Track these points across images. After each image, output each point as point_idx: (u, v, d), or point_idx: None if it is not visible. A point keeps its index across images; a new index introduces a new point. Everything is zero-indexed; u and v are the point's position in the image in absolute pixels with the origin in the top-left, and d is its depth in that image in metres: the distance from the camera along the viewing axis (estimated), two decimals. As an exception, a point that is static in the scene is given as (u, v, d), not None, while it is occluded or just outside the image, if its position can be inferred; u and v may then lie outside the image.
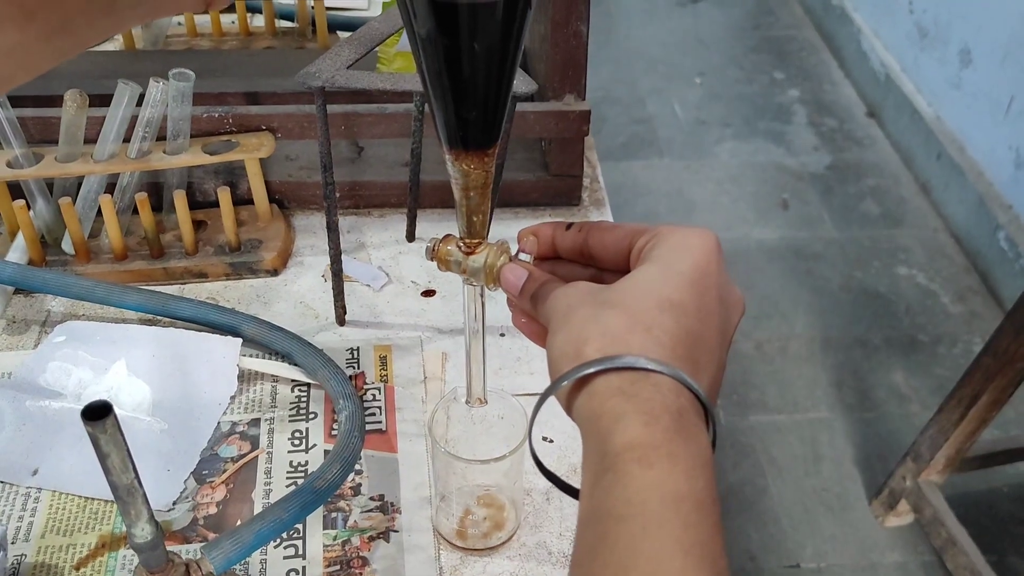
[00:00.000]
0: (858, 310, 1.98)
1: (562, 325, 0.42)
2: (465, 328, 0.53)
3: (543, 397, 0.41)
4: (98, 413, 0.46)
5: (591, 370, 0.39)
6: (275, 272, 0.87)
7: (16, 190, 0.84)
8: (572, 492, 0.45)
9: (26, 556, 0.64)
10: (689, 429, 0.37)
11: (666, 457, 0.35)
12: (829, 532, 1.77)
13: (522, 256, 0.50)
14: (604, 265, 0.47)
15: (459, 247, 0.50)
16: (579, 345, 0.40)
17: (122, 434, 0.47)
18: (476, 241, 0.50)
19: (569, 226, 0.49)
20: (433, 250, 0.51)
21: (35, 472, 0.69)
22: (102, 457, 0.47)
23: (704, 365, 0.40)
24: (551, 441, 0.73)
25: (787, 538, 1.74)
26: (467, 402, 0.57)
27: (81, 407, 0.73)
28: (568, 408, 0.41)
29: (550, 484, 0.48)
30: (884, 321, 2.04)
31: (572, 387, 0.40)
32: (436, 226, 0.93)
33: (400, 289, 0.86)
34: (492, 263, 0.49)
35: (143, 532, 0.52)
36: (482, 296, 0.53)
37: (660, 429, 0.36)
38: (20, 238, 0.84)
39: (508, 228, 0.91)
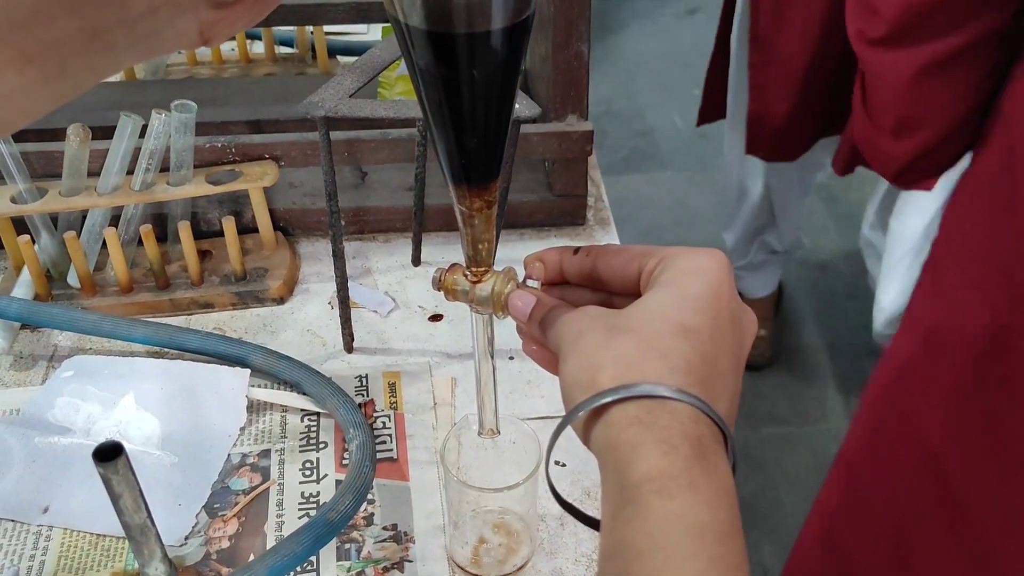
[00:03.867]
0: (866, 318, 1.97)
1: (573, 352, 0.42)
2: (475, 358, 0.53)
3: (559, 429, 0.41)
4: (110, 453, 0.46)
5: (607, 400, 0.38)
6: (281, 300, 0.87)
7: (21, 225, 0.84)
8: (592, 523, 0.44)
9: (38, 596, 0.63)
10: (709, 457, 0.36)
11: (687, 487, 0.35)
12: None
13: (529, 283, 0.50)
14: (613, 289, 0.47)
15: (465, 276, 0.50)
16: (593, 373, 0.40)
17: (134, 474, 0.47)
18: (482, 269, 0.50)
19: (576, 250, 0.48)
20: (439, 280, 0.51)
21: (46, 510, 0.68)
22: (114, 498, 0.47)
23: (720, 390, 0.40)
24: (563, 465, 0.73)
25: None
26: (479, 433, 0.56)
27: (91, 442, 0.73)
28: (585, 438, 0.41)
29: (562, 511, 0.48)
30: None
31: (588, 417, 0.39)
32: (441, 249, 0.93)
33: (407, 314, 0.86)
34: (499, 291, 0.49)
35: (157, 571, 0.51)
36: (491, 325, 0.52)
37: (680, 458, 0.36)
38: (25, 273, 0.84)
39: (513, 250, 0.91)
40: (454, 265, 0.51)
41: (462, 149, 0.45)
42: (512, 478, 0.65)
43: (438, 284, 0.51)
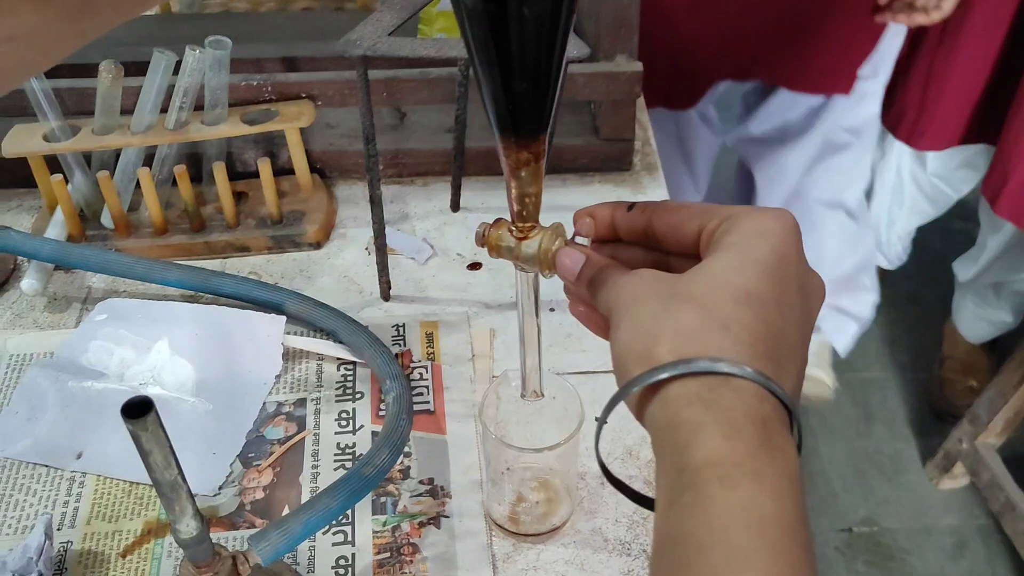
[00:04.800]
0: (911, 266, 1.92)
1: (627, 319, 0.39)
2: (519, 318, 0.51)
3: (610, 405, 0.38)
4: (139, 409, 0.44)
5: (664, 375, 0.36)
6: (318, 245, 0.85)
7: (54, 163, 0.82)
8: (645, 503, 0.42)
9: (72, 543, 0.63)
10: (775, 440, 0.34)
11: (750, 475, 0.32)
12: (882, 495, 1.73)
13: (578, 239, 0.47)
14: (669, 248, 0.44)
15: (511, 232, 0.47)
16: (649, 344, 0.37)
17: (164, 430, 0.45)
18: (528, 225, 0.47)
19: (630, 207, 0.45)
20: (483, 236, 0.48)
21: (79, 456, 0.68)
22: (144, 454, 0.46)
23: (786, 363, 0.37)
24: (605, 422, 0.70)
25: (839, 501, 1.71)
26: (523, 395, 0.54)
27: (124, 388, 0.72)
28: (638, 414, 0.38)
29: (616, 489, 0.45)
30: (939, 277, 1.98)
31: (643, 391, 0.37)
32: (481, 195, 0.90)
33: (445, 262, 0.83)
34: (547, 248, 0.46)
35: (188, 528, 0.50)
36: (537, 283, 0.50)
37: (743, 442, 0.33)
38: (59, 212, 0.82)
39: (555, 196, 0.88)
40: (499, 220, 0.48)
41: (510, 96, 0.41)
42: (551, 434, 0.63)
43: (481, 240, 0.48)
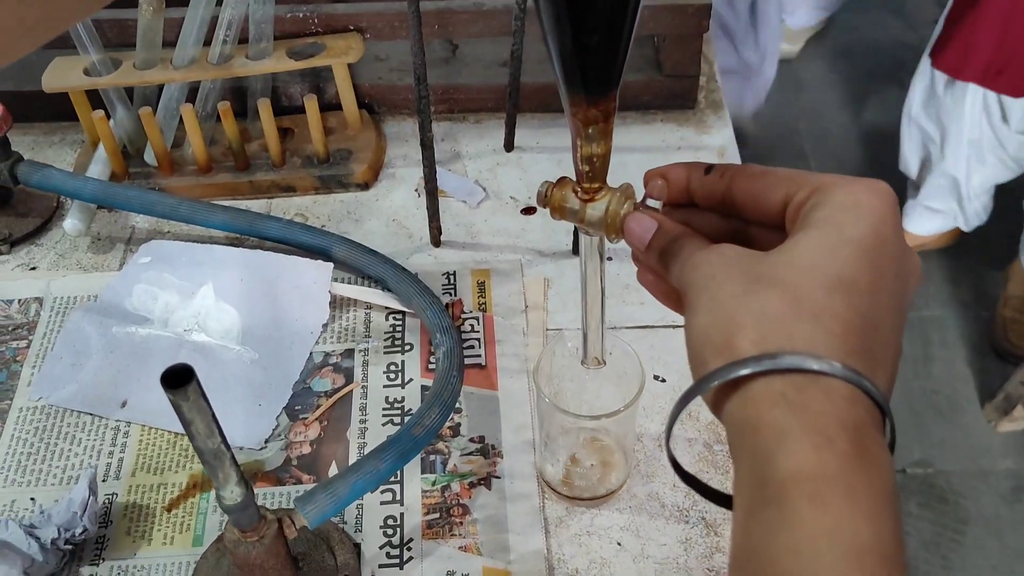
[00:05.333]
0: (978, 202, 1.84)
1: (705, 302, 0.35)
2: (581, 284, 0.47)
3: (684, 399, 0.35)
4: (180, 379, 0.42)
5: (747, 371, 0.32)
6: (366, 186, 0.81)
7: (95, 98, 0.80)
8: (725, 501, 0.38)
9: (117, 495, 0.62)
10: (870, 450, 0.30)
11: (844, 494, 0.29)
12: (938, 436, 1.69)
13: (649, 202, 0.43)
14: (750, 217, 0.40)
15: (575, 193, 0.44)
16: (729, 333, 0.33)
17: (206, 398, 0.43)
18: (595, 186, 0.43)
19: (708, 169, 0.41)
20: (545, 196, 0.45)
21: (124, 404, 0.66)
22: (186, 424, 0.44)
23: (881, 357, 0.34)
24: (663, 380, 0.67)
25: (893, 442, 1.67)
26: (583, 362, 0.51)
27: (169, 334, 0.70)
28: (715, 408, 0.35)
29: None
30: (1004, 214, 1.90)
31: (722, 385, 0.33)
32: (536, 133, 0.86)
33: (498, 205, 0.80)
34: (614, 211, 0.43)
35: (232, 495, 0.48)
36: (602, 248, 0.46)
37: (835, 455, 0.30)
38: (101, 149, 0.80)
39: (616, 136, 0.83)
40: (563, 179, 0.45)
41: (580, 49, 0.38)
42: (609, 396, 0.60)
43: (544, 200, 0.45)
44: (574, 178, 0.44)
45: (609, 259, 0.75)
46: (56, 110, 0.85)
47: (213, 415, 0.44)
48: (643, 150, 0.84)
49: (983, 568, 1.54)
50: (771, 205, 0.38)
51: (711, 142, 0.85)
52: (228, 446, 0.46)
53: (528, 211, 0.79)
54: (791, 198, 0.37)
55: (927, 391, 1.76)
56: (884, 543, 0.28)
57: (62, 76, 0.78)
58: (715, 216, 0.41)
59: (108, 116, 0.79)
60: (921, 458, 1.66)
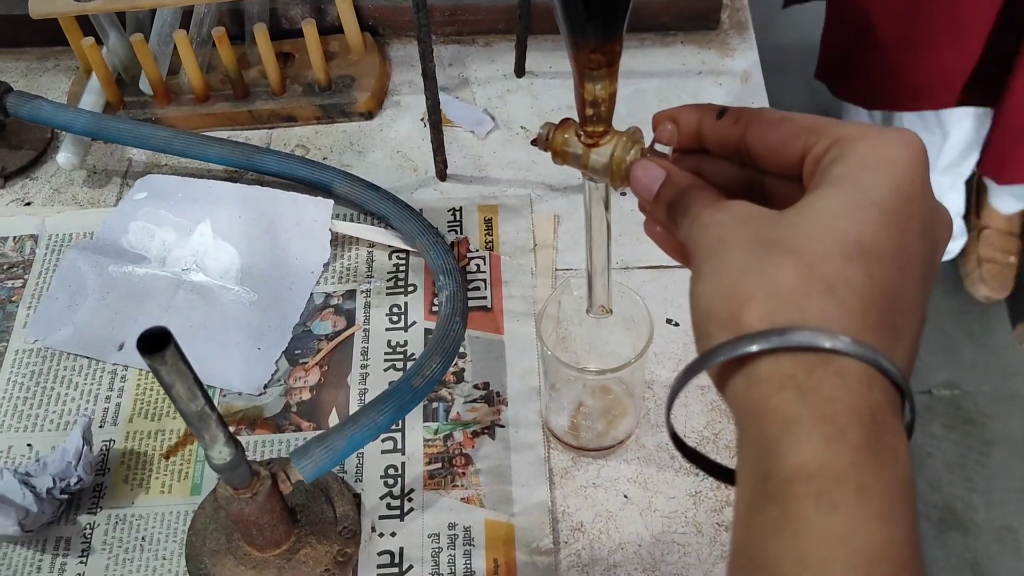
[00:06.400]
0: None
1: (711, 268, 0.32)
2: (586, 232, 0.44)
3: (686, 374, 0.32)
4: (156, 343, 0.39)
5: (753, 348, 0.29)
6: (370, 115, 0.78)
7: (86, 24, 0.76)
8: (725, 477, 0.36)
9: (114, 442, 0.60)
10: (885, 442, 0.28)
11: (855, 494, 0.26)
12: (968, 358, 1.66)
13: (658, 147, 0.40)
14: (765, 167, 0.36)
15: (579, 136, 0.40)
16: (736, 304, 0.30)
17: (185, 361, 0.41)
18: (600, 130, 0.40)
19: (721, 113, 0.37)
20: (546, 139, 0.41)
21: (121, 347, 0.65)
22: (166, 387, 0.42)
23: (903, 329, 0.31)
24: (677, 324, 0.65)
25: (920, 362, 1.63)
26: (588, 311, 0.48)
27: (166, 273, 0.68)
28: (719, 385, 0.32)
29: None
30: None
31: (727, 362, 0.30)
32: (549, 57, 0.81)
33: (507, 136, 0.76)
34: (620, 158, 0.39)
35: (221, 455, 0.46)
36: (607, 196, 0.43)
37: (847, 448, 0.27)
38: (95, 78, 0.77)
39: (633, 59, 0.79)
40: (566, 120, 0.41)
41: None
42: (617, 339, 0.57)
43: (544, 144, 0.42)
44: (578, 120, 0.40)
45: (623, 194, 0.71)
46: (49, 36, 0.81)
47: (195, 376, 0.42)
48: (662, 75, 0.79)
49: (1007, 490, 1.52)
50: (788, 155, 0.35)
51: (735, 66, 0.80)
52: (213, 406, 0.44)
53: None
54: (810, 150, 0.34)
55: (956, 311, 1.72)
56: (897, 548, 0.26)
57: (49, 1, 0.74)
58: (729, 164, 0.38)
59: (100, 43, 0.75)
60: (948, 379, 1.63)
